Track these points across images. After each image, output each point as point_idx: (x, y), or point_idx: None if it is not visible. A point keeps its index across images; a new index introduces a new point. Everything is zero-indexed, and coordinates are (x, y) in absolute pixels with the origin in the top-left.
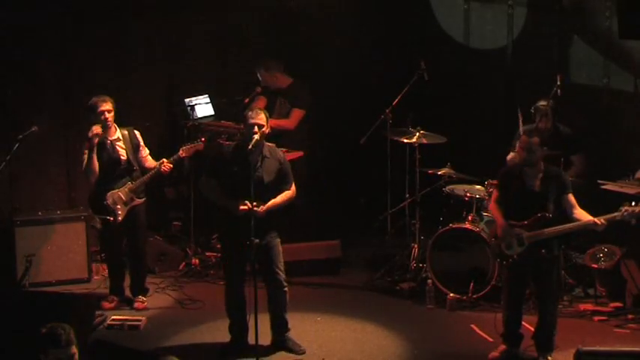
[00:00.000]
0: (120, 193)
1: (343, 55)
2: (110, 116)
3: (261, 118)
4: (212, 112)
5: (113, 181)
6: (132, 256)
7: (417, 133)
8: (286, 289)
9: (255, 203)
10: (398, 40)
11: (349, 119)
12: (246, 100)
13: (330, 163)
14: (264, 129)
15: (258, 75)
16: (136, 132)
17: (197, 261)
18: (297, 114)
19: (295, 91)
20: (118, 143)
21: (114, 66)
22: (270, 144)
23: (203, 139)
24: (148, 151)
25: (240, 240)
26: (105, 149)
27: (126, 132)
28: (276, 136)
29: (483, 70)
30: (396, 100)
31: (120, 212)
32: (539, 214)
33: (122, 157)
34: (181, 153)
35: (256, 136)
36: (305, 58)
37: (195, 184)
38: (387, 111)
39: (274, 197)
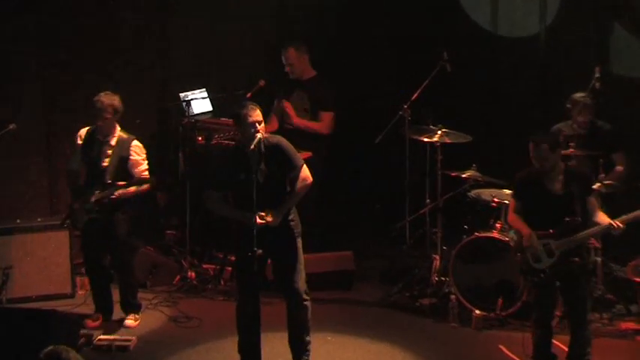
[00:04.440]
0: (86, 200)
1: (354, 44)
2: (104, 118)
3: (258, 114)
4: (210, 108)
5: (88, 184)
6: (115, 269)
7: (439, 132)
8: (307, 303)
9: (263, 214)
10: (417, 28)
11: (362, 116)
12: (249, 95)
13: (341, 164)
14: (263, 125)
15: (283, 57)
16: (135, 143)
17: (193, 274)
18: (328, 117)
19: (317, 86)
20: (107, 149)
21: (99, 56)
22: (270, 136)
23: (200, 138)
24: (144, 167)
25: (253, 249)
26: (91, 149)
27: (123, 139)
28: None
29: (513, 60)
30: (416, 94)
31: (78, 219)
32: (567, 219)
33: (102, 164)
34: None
35: (259, 135)
36: (313, 47)
37: (191, 187)
38: (405, 107)
39: (286, 191)
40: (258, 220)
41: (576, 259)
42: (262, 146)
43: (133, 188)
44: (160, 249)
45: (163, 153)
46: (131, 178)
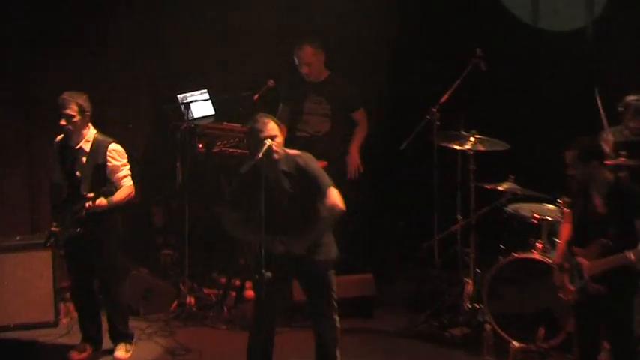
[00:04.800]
0: (64, 216)
1: (374, 40)
2: (65, 122)
3: (271, 128)
4: (212, 112)
5: (69, 199)
6: (104, 293)
7: (472, 138)
8: (337, 323)
9: (283, 240)
10: (446, 21)
11: (384, 120)
12: (256, 97)
13: (360, 175)
14: (278, 139)
15: (297, 56)
16: (112, 147)
17: (193, 300)
18: (363, 116)
19: (338, 86)
20: (81, 156)
21: (87, 53)
22: (292, 151)
23: (201, 145)
24: (124, 173)
25: (261, 272)
26: (65, 157)
27: (99, 143)
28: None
29: (556, 57)
30: (445, 95)
31: (59, 237)
32: (600, 240)
33: (77, 174)
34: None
35: (268, 142)
36: (325, 42)
37: (190, 200)
38: (434, 110)
39: (312, 218)
40: (279, 249)
41: (600, 285)
42: (283, 164)
43: (103, 201)
44: (155, 271)
45: (159, 162)
46: (115, 186)
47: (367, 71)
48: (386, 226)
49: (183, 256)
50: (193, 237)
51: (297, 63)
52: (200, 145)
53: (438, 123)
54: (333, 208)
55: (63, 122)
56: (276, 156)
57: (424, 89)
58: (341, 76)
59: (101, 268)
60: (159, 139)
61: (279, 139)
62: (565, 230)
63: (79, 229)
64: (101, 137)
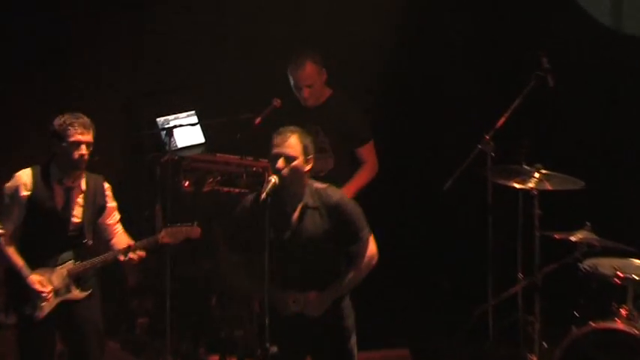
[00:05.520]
0: (54, 274)
1: (412, 49)
2: (88, 153)
3: (289, 144)
4: (201, 140)
5: (49, 252)
6: None
7: (537, 174)
8: None
9: (296, 297)
10: (504, 25)
11: (423, 152)
12: (258, 120)
13: (391, 221)
14: (296, 163)
15: (295, 76)
16: (106, 184)
17: None
18: (370, 152)
19: (340, 111)
20: (76, 195)
21: (42, 66)
22: (318, 184)
23: (187, 183)
24: (119, 217)
25: (265, 347)
26: (50, 199)
27: (93, 180)
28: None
29: None
30: (502, 119)
31: (45, 304)
32: None
33: (74, 220)
34: (162, 237)
35: (274, 179)
36: (337, 53)
37: (173, 254)
38: (487, 137)
39: (336, 269)
40: (291, 306)
41: None
42: (308, 197)
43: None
44: (128, 345)
45: (133, 204)
46: (102, 232)
47: (392, 88)
48: (426, 286)
49: (164, 326)
50: (176, 301)
51: (293, 84)
52: (186, 183)
53: (493, 154)
54: (371, 258)
55: (83, 152)
56: (274, 178)
57: (474, 111)
58: (344, 96)
59: (79, 350)
60: (133, 174)
61: (299, 162)
62: None
63: (87, 292)
64: (87, 172)
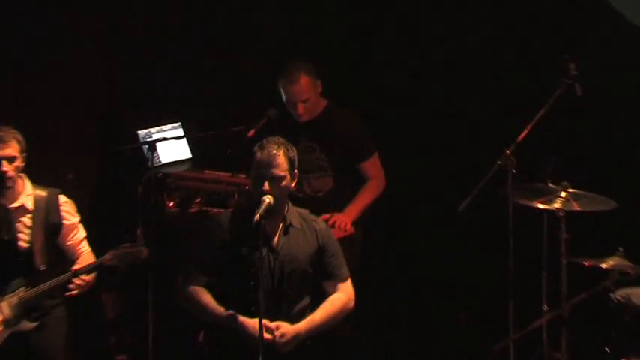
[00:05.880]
0: (3, 303)
1: (420, 55)
2: (12, 168)
3: (277, 164)
4: (188, 155)
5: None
6: None
7: (564, 193)
8: None
9: (275, 326)
10: (525, 25)
11: (435, 168)
12: (251, 133)
13: (402, 249)
14: (284, 182)
15: (289, 91)
16: (64, 199)
17: None
18: (375, 166)
19: (339, 123)
20: (20, 216)
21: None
22: (300, 210)
23: (172, 203)
24: (84, 235)
25: None
26: None
27: (43, 197)
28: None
29: None
30: (525, 131)
31: None
32: None
33: (21, 243)
34: (107, 259)
35: (268, 199)
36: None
37: (156, 282)
38: (508, 152)
39: (311, 302)
40: (266, 336)
41: None
42: (293, 218)
43: (87, 277)
44: None
45: (111, 228)
46: (65, 251)
47: (399, 96)
48: (441, 319)
49: None
50: (160, 336)
51: (285, 100)
52: (171, 203)
53: (514, 171)
54: (348, 302)
55: (4, 169)
56: (268, 198)
57: (492, 123)
58: (340, 107)
59: None
60: (111, 194)
61: (287, 181)
62: None
63: (37, 323)
64: (41, 189)
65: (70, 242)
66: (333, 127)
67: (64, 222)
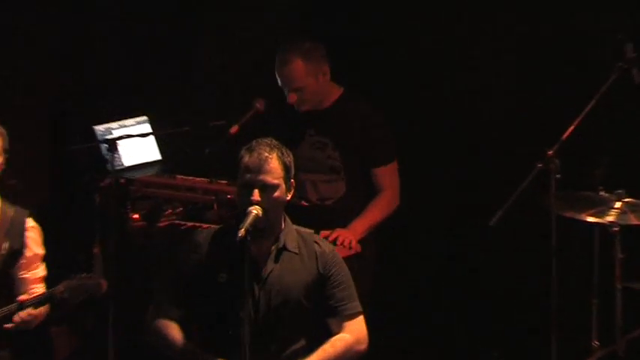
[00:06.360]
0: None
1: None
2: None
3: (269, 169)
4: (157, 156)
5: None
6: None
7: (618, 203)
8: None
9: None
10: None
11: (462, 174)
12: (235, 129)
13: (422, 270)
14: (277, 192)
15: (279, 77)
16: (29, 222)
17: None
18: (391, 174)
19: (355, 117)
20: None
21: None
22: (303, 229)
23: (137, 215)
24: (43, 274)
25: None
26: None
27: (8, 215)
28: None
29: None
30: (571, 128)
31: None
32: None
33: None
34: (59, 291)
35: (255, 211)
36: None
37: (116, 311)
38: (550, 152)
39: (309, 344)
40: None
41: None
42: (288, 239)
43: (35, 310)
44: None
45: (63, 246)
46: (17, 284)
47: (423, 89)
48: (472, 357)
49: None
50: None
51: (280, 85)
52: (135, 216)
53: (558, 176)
54: (357, 344)
55: None
56: (256, 210)
57: (531, 118)
58: (360, 98)
59: None
60: (62, 203)
61: (282, 191)
62: None
63: None
64: (7, 203)
65: (24, 276)
66: (349, 121)
67: (25, 250)
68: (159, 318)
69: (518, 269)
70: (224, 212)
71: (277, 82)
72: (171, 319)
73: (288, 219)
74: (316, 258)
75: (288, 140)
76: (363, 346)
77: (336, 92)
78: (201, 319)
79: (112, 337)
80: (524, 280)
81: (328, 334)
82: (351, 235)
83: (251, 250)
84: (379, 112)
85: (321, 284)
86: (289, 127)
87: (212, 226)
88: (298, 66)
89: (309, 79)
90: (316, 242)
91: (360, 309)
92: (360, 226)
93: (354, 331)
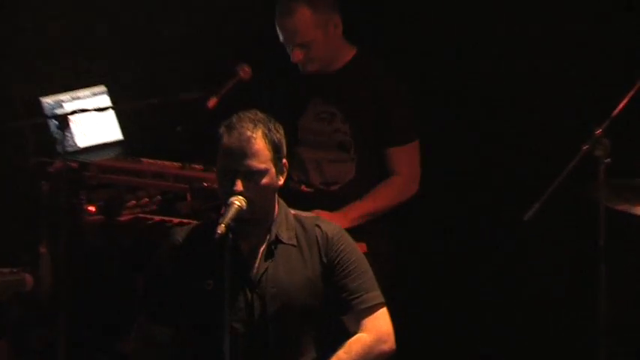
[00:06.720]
0: None
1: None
2: None
3: (254, 151)
4: (118, 136)
5: None
6: None
7: None
8: None
9: None
10: None
11: (494, 158)
12: (213, 102)
13: (447, 269)
14: (265, 179)
15: (280, 30)
16: None
17: None
18: (410, 156)
19: (370, 85)
20: None
21: None
22: (304, 214)
23: (93, 207)
24: None
25: None
26: None
27: None
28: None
29: None
30: (622, 103)
31: None
32: None
33: None
34: None
35: (238, 202)
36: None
37: (72, 320)
38: (598, 132)
39: (320, 356)
40: None
41: None
42: (281, 228)
43: None
44: None
45: (4, 243)
46: None
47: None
48: None
49: None
50: None
51: (282, 40)
52: (91, 208)
53: (607, 160)
54: (379, 343)
55: None
56: (239, 201)
57: (576, 92)
58: (377, 62)
59: None
60: (3, 193)
61: (271, 176)
62: None
63: None
64: None
65: None
66: (362, 86)
67: None
68: (136, 340)
69: (557, 272)
70: (199, 204)
71: (270, 40)
72: (160, 344)
73: (282, 204)
74: (318, 245)
75: (294, 110)
76: (387, 345)
77: (348, 52)
78: (190, 334)
79: (63, 356)
80: (565, 285)
81: (347, 336)
82: (337, 220)
83: (240, 249)
84: (400, 80)
85: (328, 276)
86: (290, 94)
87: (191, 221)
88: (305, 16)
89: (317, 32)
90: (317, 226)
91: (380, 299)
92: (355, 211)
93: (374, 329)
